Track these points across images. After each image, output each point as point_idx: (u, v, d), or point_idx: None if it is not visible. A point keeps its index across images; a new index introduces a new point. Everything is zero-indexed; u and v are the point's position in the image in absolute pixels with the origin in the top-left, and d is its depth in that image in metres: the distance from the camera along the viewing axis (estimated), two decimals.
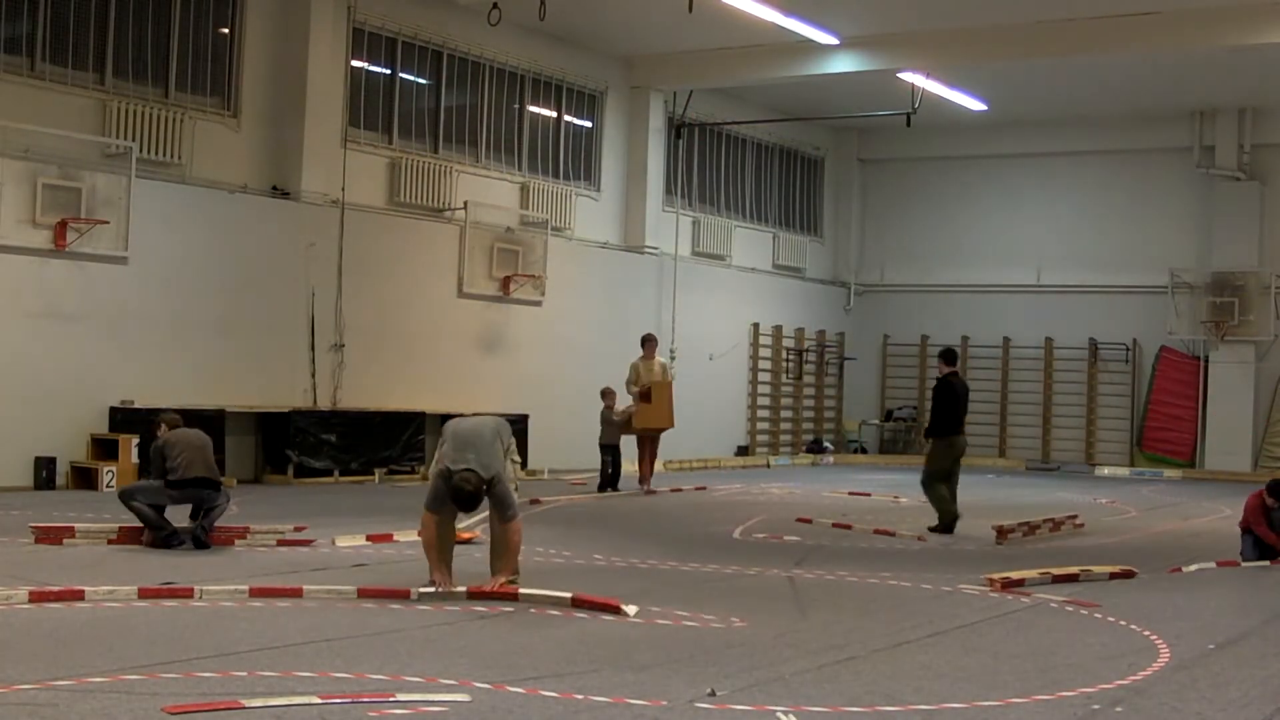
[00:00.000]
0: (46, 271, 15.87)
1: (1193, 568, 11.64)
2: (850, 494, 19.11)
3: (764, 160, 28.16)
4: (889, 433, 30.00)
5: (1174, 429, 27.01)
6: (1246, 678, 7.27)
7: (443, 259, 20.64)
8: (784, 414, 28.33)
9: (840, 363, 29.90)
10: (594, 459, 18.40)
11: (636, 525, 14.31)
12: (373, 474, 18.67)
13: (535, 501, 16.11)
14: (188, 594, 8.54)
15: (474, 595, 8.96)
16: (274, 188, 18.47)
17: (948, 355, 15.28)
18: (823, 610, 9.08)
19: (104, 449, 16.12)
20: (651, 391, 17.94)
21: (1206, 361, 26.57)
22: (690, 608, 8.82)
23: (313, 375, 18.70)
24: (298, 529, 11.70)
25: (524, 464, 20.82)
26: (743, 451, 26.72)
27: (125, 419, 16.22)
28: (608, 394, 18.08)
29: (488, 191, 21.49)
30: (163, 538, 10.89)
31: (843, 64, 22.46)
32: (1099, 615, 9.10)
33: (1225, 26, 20.03)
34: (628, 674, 6.77)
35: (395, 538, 11.86)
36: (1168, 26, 20.34)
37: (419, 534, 9.66)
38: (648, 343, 18.52)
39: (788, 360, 28.41)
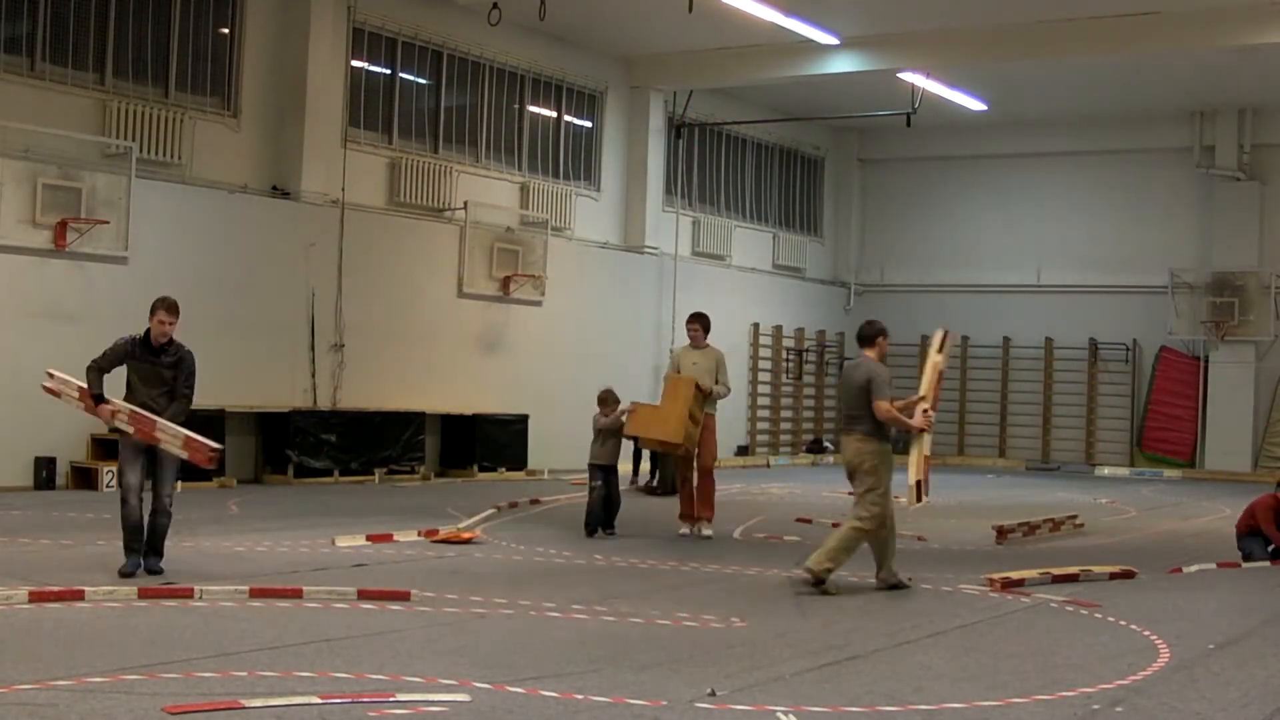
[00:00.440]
0: (46, 271, 15.87)
1: (1193, 568, 11.63)
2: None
3: (764, 160, 28.16)
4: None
5: (1174, 429, 27.01)
6: (1246, 678, 7.27)
7: (443, 259, 20.64)
8: (784, 414, 28.33)
9: (840, 363, 29.87)
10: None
11: (637, 525, 14.30)
12: (373, 474, 18.67)
13: (535, 501, 16.11)
14: (188, 594, 8.54)
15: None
16: (274, 188, 18.47)
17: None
18: (823, 610, 9.08)
19: (104, 449, 16.11)
20: (666, 388, 13.24)
21: (1206, 361, 26.57)
22: (690, 608, 8.82)
23: (313, 375, 18.70)
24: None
25: (524, 464, 20.88)
26: (743, 451, 26.72)
27: None
28: (606, 398, 13.24)
29: (488, 191, 21.49)
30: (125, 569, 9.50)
31: (843, 64, 22.46)
32: (1099, 615, 9.10)
33: (1225, 26, 20.03)
34: (628, 674, 6.77)
35: (395, 538, 11.85)
36: (1168, 26, 20.34)
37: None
38: (694, 322, 13.44)
39: (788, 360, 28.42)
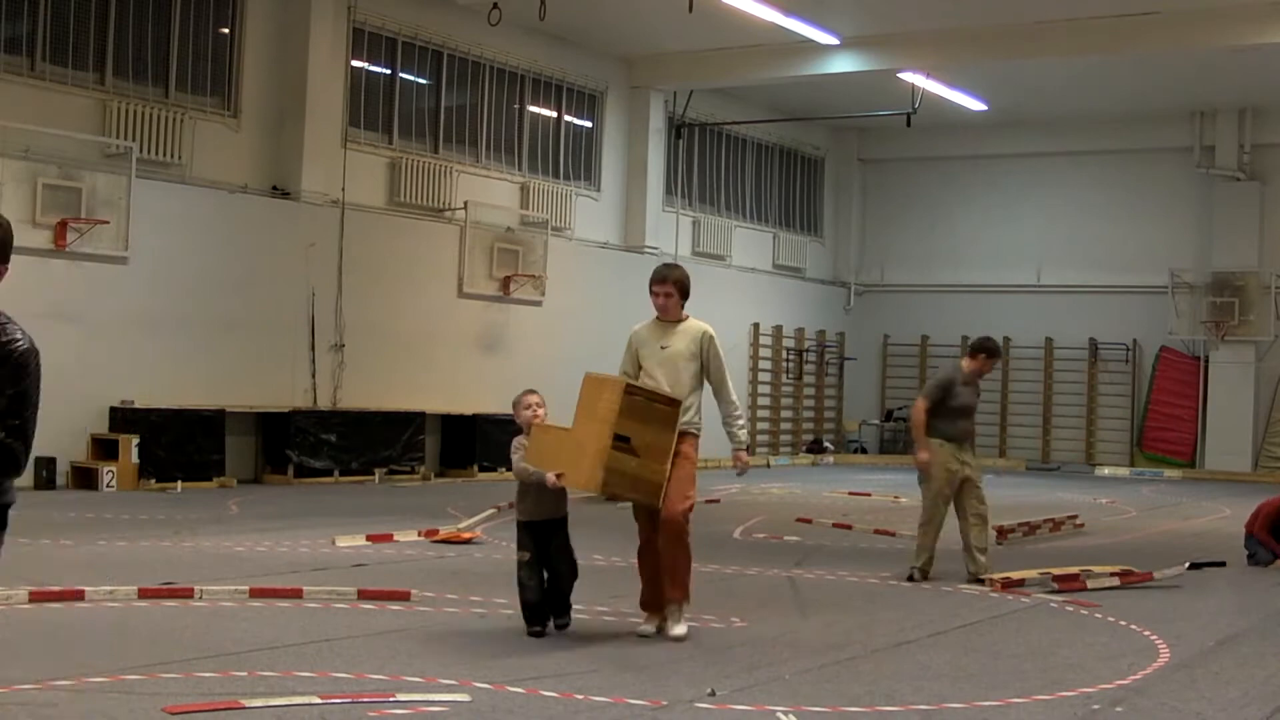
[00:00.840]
0: (46, 271, 15.86)
1: (1168, 571, 11.54)
2: (850, 494, 19.11)
3: (764, 160, 28.16)
4: (889, 433, 29.99)
5: (1174, 429, 27.00)
6: (1246, 678, 7.27)
7: (443, 259, 20.64)
8: (784, 414, 28.33)
9: (840, 363, 29.90)
10: None
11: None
12: (373, 474, 18.67)
13: None
14: (188, 594, 8.53)
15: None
16: (274, 188, 18.47)
17: None
18: (823, 610, 9.08)
19: (104, 449, 16.12)
20: (581, 396, 8.06)
21: (1206, 361, 26.57)
22: (690, 608, 8.81)
23: (313, 375, 18.70)
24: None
25: None
26: None
27: (125, 419, 16.23)
28: (523, 404, 8.75)
29: (488, 191, 21.49)
30: None
31: (843, 64, 22.46)
32: (1099, 615, 9.09)
33: (1225, 26, 20.04)
34: (628, 674, 6.77)
35: (395, 538, 11.85)
36: (1168, 26, 20.34)
37: None
38: (662, 283, 8.38)
39: (788, 360, 28.42)
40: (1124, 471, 26.68)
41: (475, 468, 20.06)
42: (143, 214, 16.45)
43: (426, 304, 20.31)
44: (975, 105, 25.49)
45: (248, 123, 18.26)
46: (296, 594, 8.66)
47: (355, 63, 19.65)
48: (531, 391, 8.74)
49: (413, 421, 19.31)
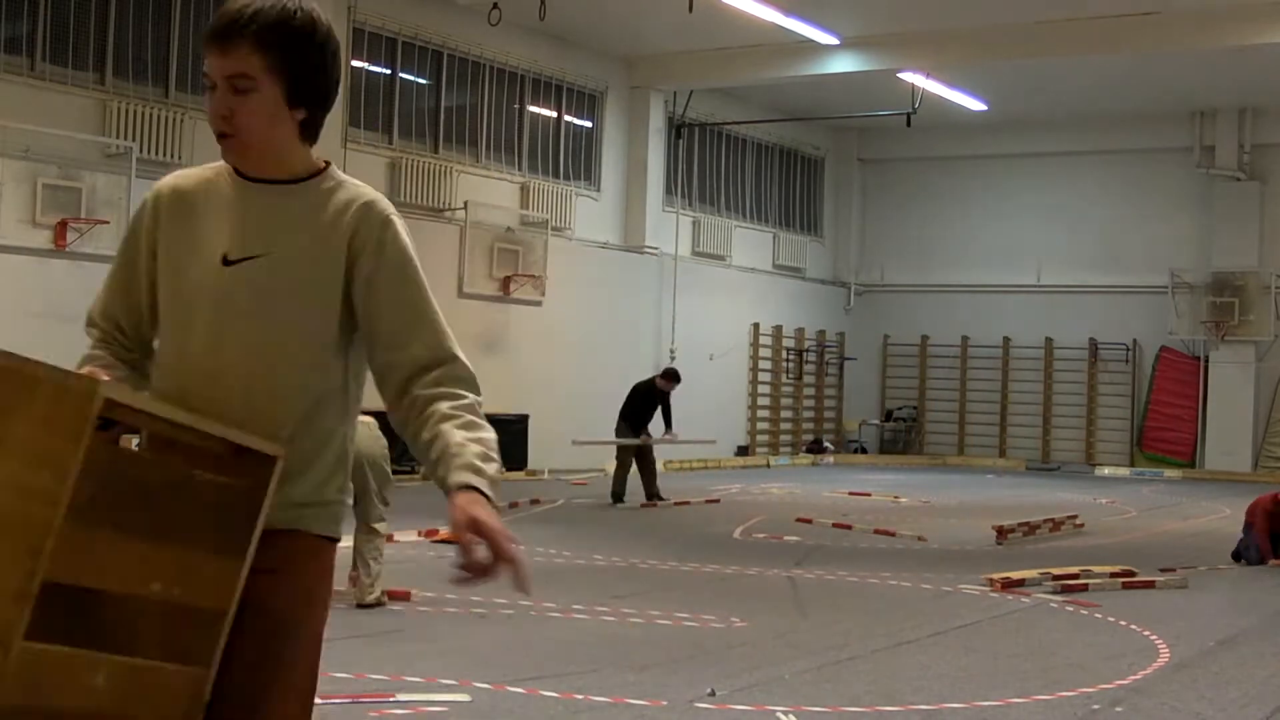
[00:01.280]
0: (46, 271, 15.86)
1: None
2: (850, 494, 19.11)
3: (764, 160, 28.16)
4: (889, 433, 29.99)
5: (1174, 429, 27.00)
6: (1246, 678, 7.27)
7: (443, 259, 20.62)
8: (784, 414, 28.33)
9: (840, 363, 29.90)
10: (593, 457, 18.14)
11: (636, 525, 14.31)
12: None
13: (535, 501, 16.11)
14: None
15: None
16: None
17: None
18: (823, 610, 9.08)
19: None
20: None
21: (1206, 361, 26.56)
22: (690, 608, 8.82)
23: None
24: None
25: (524, 464, 20.88)
26: (743, 451, 26.72)
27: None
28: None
29: (488, 191, 21.49)
30: None
31: (843, 64, 22.46)
32: (1099, 615, 9.10)
33: (1225, 26, 20.03)
34: (628, 674, 6.77)
35: (395, 538, 11.84)
36: (1168, 26, 20.34)
37: None
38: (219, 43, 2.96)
39: (788, 360, 28.41)
40: (1124, 471, 26.67)
41: None
42: None
43: None
44: (975, 105, 25.49)
45: None
46: None
47: (355, 63, 19.65)
48: None
49: None
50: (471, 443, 2.72)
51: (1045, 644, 8.06)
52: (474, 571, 2.43)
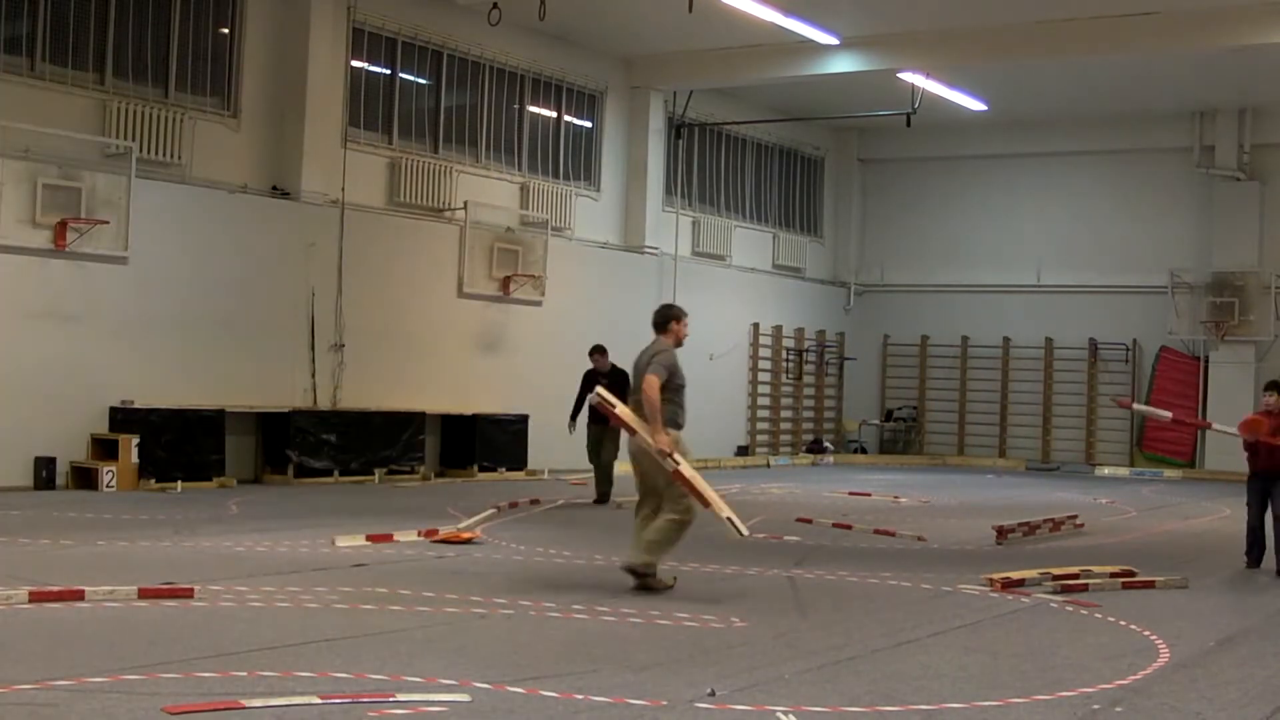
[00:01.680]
0: (46, 271, 15.87)
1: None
2: (850, 494, 19.11)
3: (764, 160, 28.16)
4: (889, 433, 29.99)
5: (1174, 429, 26.98)
6: (1246, 678, 7.27)
7: (443, 259, 20.64)
8: (784, 414, 28.33)
9: (840, 363, 29.90)
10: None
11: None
12: (373, 474, 18.67)
13: (535, 502, 16.11)
14: (188, 594, 8.53)
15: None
16: (274, 188, 18.47)
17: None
18: (823, 610, 9.08)
19: (104, 449, 16.12)
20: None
21: (1206, 361, 26.57)
22: (690, 608, 8.82)
23: (313, 375, 18.70)
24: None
25: (524, 464, 20.87)
26: (743, 451, 26.71)
27: (125, 419, 16.22)
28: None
29: (488, 191, 21.49)
30: None
31: (843, 64, 22.46)
32: (1099, 615, 9.09)
33: (1225, 26, 20.03)
34: (628, 674, 6.76)
35: (395, 538, 11.84)
36: (1168, 26, 20.34)
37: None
38: None
39: (788, 360, 28.42)
40: (1124, 471, 26.68)
41: (475, 468, 20.06)
42: (142, 214, 16.45)
43: (426, 304, 20.31)
44: (975, 105, 25.49)
45: (247, 123, 18.26)
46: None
47: (355, 63, 19.65)
48: None
49: (412, 421, 19.31)
50: None
51: (1045, 644, 8.06)
52: None
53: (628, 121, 24.43)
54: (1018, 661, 7.48)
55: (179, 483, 16.31)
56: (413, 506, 15.19)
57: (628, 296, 23.87)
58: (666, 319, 10.50)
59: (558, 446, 20.99)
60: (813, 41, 21.70)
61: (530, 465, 20.93)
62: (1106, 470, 26.98)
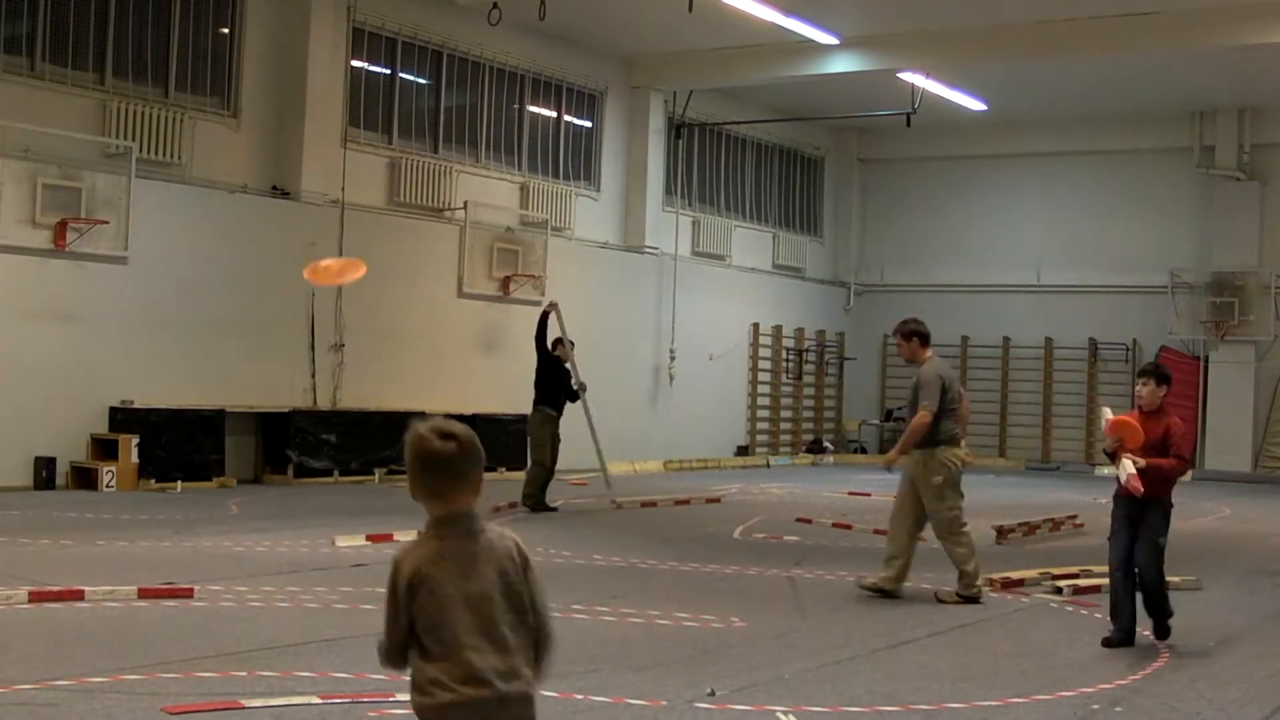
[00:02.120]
0: (46, 271, 15.86)
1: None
2: (850, 494, 19.12)
3: (764, 160, 28.16)
4: (889, 433, 29.96)
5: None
6: (1246, 678, 7.27)
7: (443, 259, 20.64)
8: (784, 414, 28.33)
9: (840, 363, 29.90)
10: (594, 458, 18.06)
11: (636, 525, 14.30)
12: (373, 474, 18.67)
13: None
14: (188, 594, 8.54)
15: None
16: (274, 188, 18.47)
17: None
18: (823, 610, 9.08)
19: (104, 449, 16.12)
20: None
21: (1206, 361, 26.57)
22: (690, 608, 8.82)
23: (313, 375, 18.70)
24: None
25: (524, 464, 20.84)
26: (743, 451, 26.71)
27: (125, 419, 16.23)
28: None
29: (488, 191, 21.49)
30: None
31: (843, 64, 22.46)
32: (1099, 615, 9.09)
33: (1225, 26, 20.03)
34: (628, 674, 6.77)
35: (395, 538, 11.84)
36: (1168, 26, 20.33)
37: None
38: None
39: (788, 360, 28.42)
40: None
41: None
42: (143, 214, 16.45)
43: (426, 304, 20.31)
44: (975, 105, 25.49)
45: (247, 123, 18.26)
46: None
47: (355, 63, 19.64)
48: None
49: (413, 421, 19.26)
50: None
51: (1045, 644, 8.06)
52: None
53: (628, 121, 24.43)
54: (1018, 661, 7.48)
55: (179, 483, 16.31)
56: (413, 507, 15.14)
57: (628, 297, 23.89)
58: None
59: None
60: (813, 41, 21.70)
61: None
62: (1106, 470, 26.94)
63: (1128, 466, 8.15)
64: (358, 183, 19.22)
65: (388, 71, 20.26)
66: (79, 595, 8.31)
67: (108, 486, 15.64)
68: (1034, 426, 28.51)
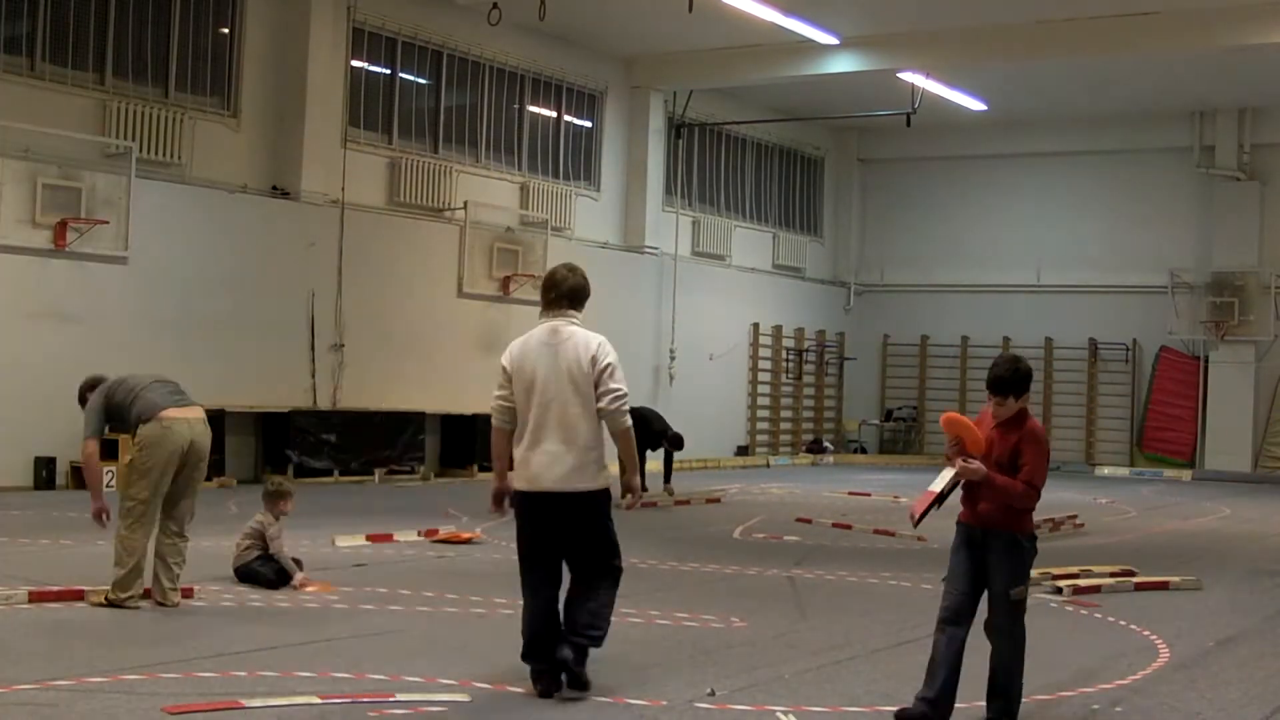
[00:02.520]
0: (46, 271, 15.86)
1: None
2: (850, 494, 19.11)
3: (764, 160, 28.16)
4: (889, 433, 30.00)
5: (1174, 429, 27.00)
6: (1246, 678, 7.27)
7: (443, 259, 20.64)
8: (784, 414, 28.33)
9: (840, 363, 29.90)
10: None
11: (636, 525, 14.30)
12: (373, 474, 18.67)
13: None
14: (187, 594, 8.53)
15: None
16: (274, 188, 18.46)
17: None
18: (823, 610, 9.08)
19: (104, 449, 16.05)
20: None
21: (1206, 361, 26.57)
22: (690, 608, 8.82)
23: (313, 375, 18.70)
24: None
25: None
26: (743, 451, 26.71)
27: None
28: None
29: (488, 191, 21.49)
30: None
31: (843, 64, 22.46)
32: (1099, 615, 9.10)
33: (1225, 26, 20.03)
34: (628, 674, 6.76)
35: (395, 538, 11.84)
36: (1168, 26, 20.34)
37: None
38: None
39: (788, 360, 28.42)
40: (1124, 471, 26.68)
41: (475, 468, 20.04)
42: (142, 214, 16.45)
43: (426, 304, 20.31)
44: (975, 105, 25.49)
45: (247, 123, 18.26)
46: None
47: (355, 63, 19.64)
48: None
49: (412, 421, 19.31)
50: None
51: (1045, 644, 8.06)
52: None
53: (628, 121, 24.43)
54: None
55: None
56: (413, 506, 15.19)
57: (628, 296, 23.87)
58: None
59: None
60: (813, 41, 21.70)
61: None
62: (1106, 470, 26.98)
63: (946, 475, 6.71)
64: (358, 183, 19.22)
65: (388, 71, 20.27)
66: (79, 595, 8.31)
67: (108, 487, 15.63)
68: None
